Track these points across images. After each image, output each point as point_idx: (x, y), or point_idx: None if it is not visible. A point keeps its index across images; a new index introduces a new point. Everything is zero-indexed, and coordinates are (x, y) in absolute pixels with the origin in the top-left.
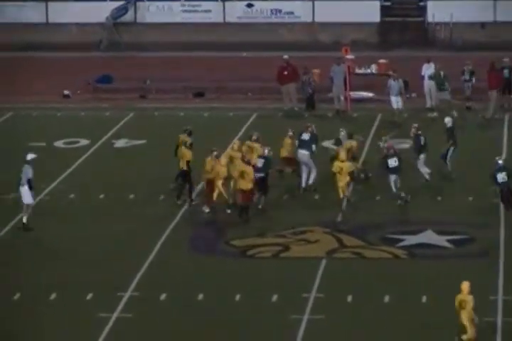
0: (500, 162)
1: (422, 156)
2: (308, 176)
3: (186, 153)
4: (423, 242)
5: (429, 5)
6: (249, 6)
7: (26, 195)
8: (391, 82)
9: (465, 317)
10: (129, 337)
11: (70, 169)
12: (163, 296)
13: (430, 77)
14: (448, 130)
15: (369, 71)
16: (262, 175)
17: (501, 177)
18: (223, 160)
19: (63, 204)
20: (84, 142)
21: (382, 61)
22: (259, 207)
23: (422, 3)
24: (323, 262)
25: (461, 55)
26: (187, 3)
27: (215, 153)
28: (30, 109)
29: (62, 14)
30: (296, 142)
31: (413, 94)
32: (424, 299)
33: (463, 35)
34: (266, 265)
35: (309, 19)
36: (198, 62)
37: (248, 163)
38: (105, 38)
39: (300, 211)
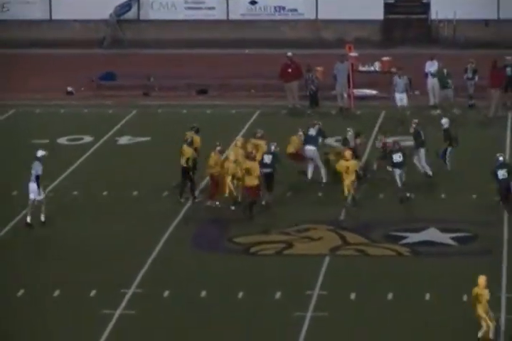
0: (501, 158)
1: (422, 151)
2: (314, 169)
3: (186, 150)
4: (426, 240)
5: (433, 2)
6: (253, 3)
7: (34, 191)
8: (396, 79)
9: (481, 311)
10: (132, 333)
11: (73, 166)
12: (166, 293)
13: (433, 75)
14: (445, 131)
15: (372, 68)
16: (269, 170)
17: (502, 173)
18: (232, 156)
19: (67, 201)
20: (87, 139)
21: (385, 58)
22: (263, 203)
23: (425, 1)
24: (327, 259)
25: (464, 52)
26: (190, 0)
27: (218, 148)
28: (33, 105)
29: (65, 11)
30: (302, 138)
31: (416, 92)
32: (427, 296)
33: (466, 33)
34: (269, 262)
35: (313, 16)
36: (201, 60)
37: (253, 158)
38: (108, 34)
39: (303, 208)
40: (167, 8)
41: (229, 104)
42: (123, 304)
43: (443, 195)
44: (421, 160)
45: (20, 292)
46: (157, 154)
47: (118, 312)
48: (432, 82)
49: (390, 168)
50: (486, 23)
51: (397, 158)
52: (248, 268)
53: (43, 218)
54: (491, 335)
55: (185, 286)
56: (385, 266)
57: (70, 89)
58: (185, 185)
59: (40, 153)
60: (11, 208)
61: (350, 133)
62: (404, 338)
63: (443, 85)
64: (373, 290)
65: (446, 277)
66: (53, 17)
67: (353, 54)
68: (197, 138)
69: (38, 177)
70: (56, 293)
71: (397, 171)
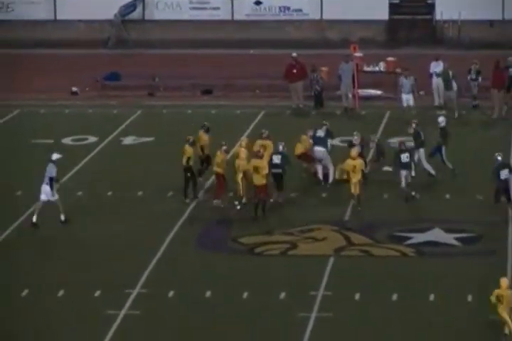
0: (499, 158)
1: (422, 151)
2: (323, 169)
3: (188, 150)
4: (431, 240)
5: (438, 3)
6: (258, 3)
7: (46, 193)
8: (403, 80)
9: (504, 311)
10: (136, 334)
11: (77, 166)
12: (171, 293)
13: (438, 75)
14: (441, 129)
15: (377, 69)
16: (279, 171)
17: (504, 173)
18: (243, 153)
19: (71, 202)
20: (92, 139)
21: (390, 59)
22: (271, 200)
23: (430, 1)
24: (331, 260)
25: (469, 53)
26: (195, 0)
27: (224, 147)
28: (38, 106)
29: (70, 11)
30: (310, 139)
31: (421, 92)
32: (431, 297)
33: (471, 33)
34: (274, 262)
35: (317, 17)
36: (205, 60)
37: (261, 157)
38: (113, 35)
39: (308, 209)
40: (172, 9)
41: (234, 104)
42: (127, 304)
43: (447, 196)
44: (422, 161)
45: (25, 292)
46: (162, 154)
47: (122, 312)
48: (437, 83)
49: (389, 168)
50: (491, 23)
51: (405, 158)
52: (253, 269)
53: (62, 217)
54: None
55: (190, 286)
56: (389, 266)
57: (74, 89)
58: (188, 186)
59: (56, 156)
60: (15, 208)
61: (356, 138)
62: (408, 338)
63: (447, 86)
64: (378, 291)
65: (450, 277)
66: (58, 17)
67: (358, 54)
68: (205, 137)
69: (51, 179)
70: (60, 293)
71: (404, 172)
